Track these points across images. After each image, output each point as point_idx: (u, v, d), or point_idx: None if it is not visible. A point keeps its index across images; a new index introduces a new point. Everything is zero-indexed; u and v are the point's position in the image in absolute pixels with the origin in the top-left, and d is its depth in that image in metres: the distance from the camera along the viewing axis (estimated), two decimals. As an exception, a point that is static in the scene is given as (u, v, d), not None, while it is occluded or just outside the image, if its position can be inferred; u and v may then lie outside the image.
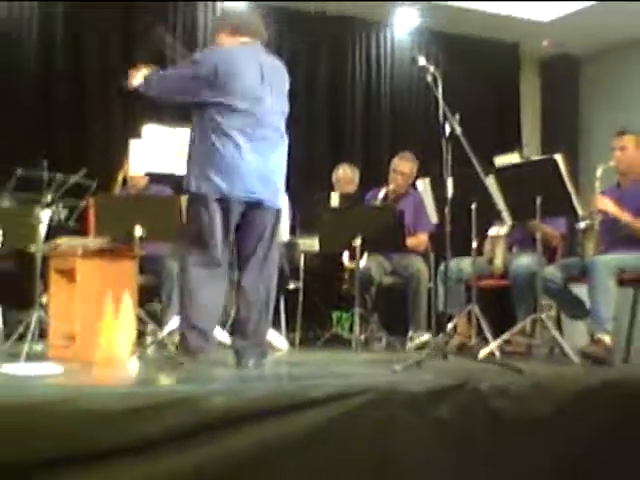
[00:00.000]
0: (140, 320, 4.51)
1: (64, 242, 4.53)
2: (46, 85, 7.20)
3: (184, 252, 3.92)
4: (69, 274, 4.50)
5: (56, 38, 7.25)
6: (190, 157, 3.92)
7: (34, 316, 4.53)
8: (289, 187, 6.17)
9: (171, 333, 4.79)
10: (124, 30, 7.27)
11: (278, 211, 4.07)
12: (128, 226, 4.79)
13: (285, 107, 4.10)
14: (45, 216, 4.84)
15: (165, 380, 3.30)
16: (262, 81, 3.91)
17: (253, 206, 3.89)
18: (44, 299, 4.82)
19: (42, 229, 4.81)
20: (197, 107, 3.88)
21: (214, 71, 3.80)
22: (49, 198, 4.85)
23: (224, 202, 3.79)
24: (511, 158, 5.28)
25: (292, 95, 7.39)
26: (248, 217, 3.91)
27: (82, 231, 5.33)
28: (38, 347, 4.55)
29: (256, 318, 3.94)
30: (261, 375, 4.08)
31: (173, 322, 4.69)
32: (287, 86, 4.15)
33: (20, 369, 3.66)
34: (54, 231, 5.05)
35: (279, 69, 4.14)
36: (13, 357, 4.06)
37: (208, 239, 3.79)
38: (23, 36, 7.14)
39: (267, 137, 3.92)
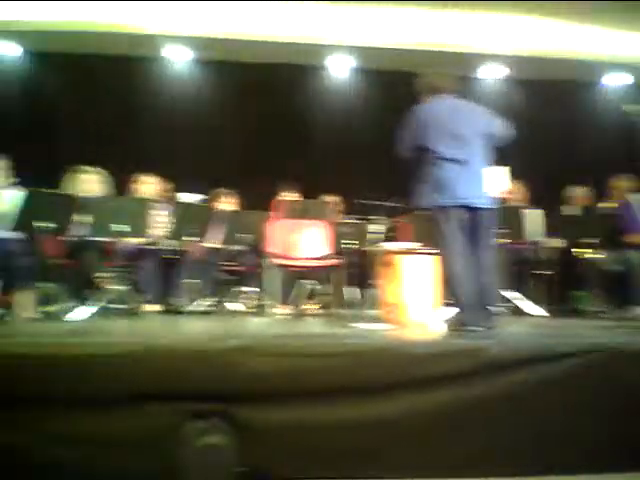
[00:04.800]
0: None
1: (388, 244, 4.67)
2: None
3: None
4: (391, 265, 4.60)
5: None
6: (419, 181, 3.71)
7: (371, 293, 4.73)
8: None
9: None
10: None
11: (485, 209, 3.63)
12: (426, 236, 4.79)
13: (481, 135, 3.68)
14: (377, 228, 5.05)
15: (455, 337, 3.28)
16: (456, 121, 3.64)
17: (467, 208, 3.58)
18: (377, 281, 5.01)
19: (376, 237, 5.04)
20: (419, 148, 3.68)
21: (417, 122, 3.65)
22: (377, 217, 5.06)
23: (446, 209, 3.55)
24: None
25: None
26: (469, 215, 3.60)
27: (398, 237, 5.48)
28: (375, 312, 4.75)
29: (489, 291, 3.61)
30: (522, 333, 3.93)
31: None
32: (482, 118, 3.74)
33: (366, 326, 3.87)
34: (385, 238, 5.25)
35: (469, 108, 3.77)
36: (362, 318, 4.26)
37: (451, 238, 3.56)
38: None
39: (468, 160, 3.59)
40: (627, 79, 7.56)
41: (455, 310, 3.59)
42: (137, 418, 2.48)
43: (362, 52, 7.03)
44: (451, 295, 3.71)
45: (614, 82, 7.70)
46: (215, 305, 5.27)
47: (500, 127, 3.79)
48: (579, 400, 2.77)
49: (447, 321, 3.85)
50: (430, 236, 3.94)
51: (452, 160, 3.57)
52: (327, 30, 6.70)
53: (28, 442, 2.40)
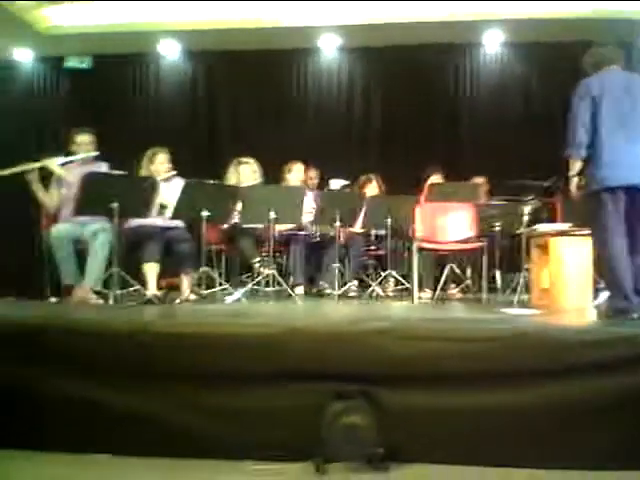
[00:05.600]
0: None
1: (540, 226, 4.49)
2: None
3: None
4: (544, 248, 4.41)
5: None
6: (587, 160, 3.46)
7: (521, 276, 4.57)
8: None
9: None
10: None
11: None
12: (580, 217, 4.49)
13: None
14: (527, 210, 4.86)
15: (610, 323, 3.07)
16: (624, 94, 3.36)
17: (632, 190, 3.32)
18: (527, 265, 4.80)
19: (525, 219, 4.86)
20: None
21: (588, 93, 3.38)
22: (529, 197, 4.86)
23: (610, 190, 3.31)
24: None
25: None
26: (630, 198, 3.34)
27: (552, 219, 5.20)
28: (525, 297, 4.60)
29: None
30: None
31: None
32: None
33: (514, 311, 3.76)
34: (535, 219, 5.03)
35: (637, 82, 3.48)
36: (509, 303, 4.15)
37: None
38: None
39: (637, 138, 3.32)
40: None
41: (608, 295, 3.39)
42: (282, 396, 2.61)
43: (513, 25, 6.71)
44: (606, 279, 3.50)
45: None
46: (360, 289, 5.36)
47: None
48: None
49: (600, 307, 3.63)
50: (585, 217, 3.72)
51: (621, 138, 3.34)
52: (475, 4, 6.47)
53: (180, 414, 2.62)
